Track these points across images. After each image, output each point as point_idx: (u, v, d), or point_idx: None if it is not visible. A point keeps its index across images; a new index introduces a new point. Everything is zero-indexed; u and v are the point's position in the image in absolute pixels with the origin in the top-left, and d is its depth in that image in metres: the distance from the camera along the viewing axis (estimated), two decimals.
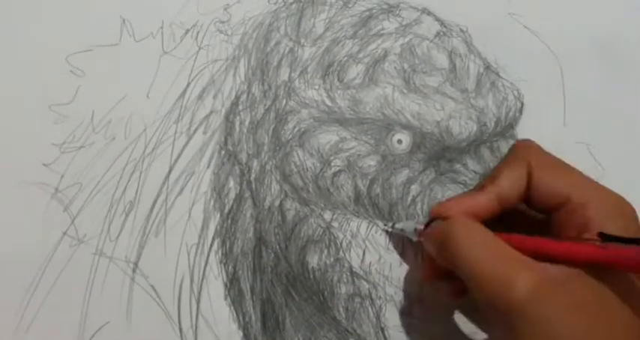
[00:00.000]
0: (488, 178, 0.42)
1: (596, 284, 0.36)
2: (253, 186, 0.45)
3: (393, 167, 0.45)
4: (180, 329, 0.43)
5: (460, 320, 0.45)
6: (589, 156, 0.47)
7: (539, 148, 0.43)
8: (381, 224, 0.45)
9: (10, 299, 0.43)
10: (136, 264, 0.44)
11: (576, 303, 0.35)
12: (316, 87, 0.46)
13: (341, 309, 0.44)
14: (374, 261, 0.45)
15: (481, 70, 0.47)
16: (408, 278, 0.45)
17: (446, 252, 0.38)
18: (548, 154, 0.42)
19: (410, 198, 0.45)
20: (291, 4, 0.47)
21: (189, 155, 0.45)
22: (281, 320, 0.43)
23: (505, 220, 0.41)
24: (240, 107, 0.46)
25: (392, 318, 0.44)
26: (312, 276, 0.44)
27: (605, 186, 0.41)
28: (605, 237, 0.37)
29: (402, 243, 0.45)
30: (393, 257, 0.45)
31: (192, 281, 0.44)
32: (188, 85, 0.46)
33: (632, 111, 0.48)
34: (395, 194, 0.45)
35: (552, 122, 0.48)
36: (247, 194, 0.45)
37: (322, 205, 0.45)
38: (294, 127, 0.46)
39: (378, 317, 0.44)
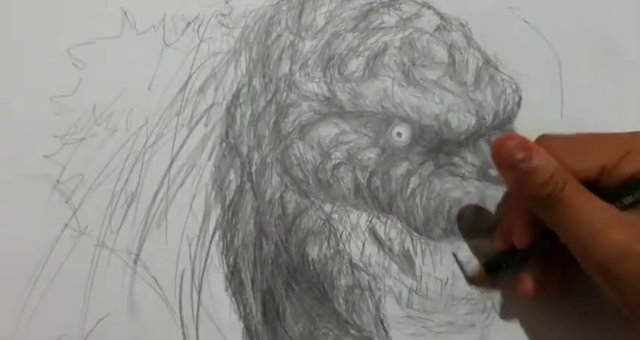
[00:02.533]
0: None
1: None
2: (254, 178, 0.46)
3: (393, 160, 0.46)
4: (182, 320, 0.44)
5: (459, 311, 0.45)
6: None
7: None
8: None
9: (11, 291, 0.44)
10: (137, 256, 0.45)
11: None
12: (317, 80, 0.47)
13: (341, 300, 0.45)
14: (373, 253, 0.46)
15: (480, 63, 0.48)
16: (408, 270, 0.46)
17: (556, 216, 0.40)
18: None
19: (409, 191, 0.46)
20: None
21: (191, 147, 0.46)
22: (281, 311, 0.44)
23: None
24: (241, 100, 0.47)
25: (391, 310, 0.45)
26: (312, 268, 0.45)
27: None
28: None
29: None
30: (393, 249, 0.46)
31: (193, 272, 0.45)
32: (189, 77, 0.47)
33: (630, 104, 0.49)
34: (394, 186, 0.46)
35: (550, 116, 0.49)
36: (248, 186, 0.46)
37: (322, 197, 0.46)
38: (295, 120, 0.47)
39: (377, 309, 0.45)
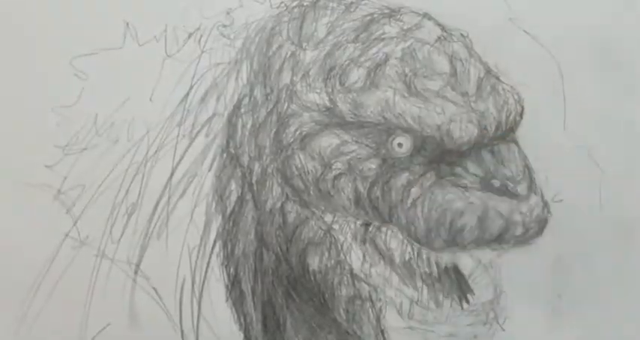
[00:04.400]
0: None
1: None
2: (255, 188, 0.46)
3: (394, 170, 0.47)
4: (182, 331, 0.45)
5: (461, 322, 0.46)
6: (589, 160, 0.49)
7: None
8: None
9: (12, 301, 0.45)
10: (137, 266, 0.45)
11: None
12: (318, 90, 0.48)
13: (341, 311, 0.45)
14: (374, 264, 0.46)
15: (482, 74, 0.48)
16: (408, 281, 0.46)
17: None
18: None
19: (410, 201, 0.47)
20: (293, 8, 0.49)
21: (192, 157, 0.47)
22: (282, 322, 0.45)
23: None
24: (243, 110, 0.48)
25: (392, 321, 0.45)
26: (312, 278, 0.45)
27: None
28: None
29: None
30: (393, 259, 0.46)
31: (193, 283, 0.45)
32: (191, 88, 0.48)
33: (632, 114, 0.50)
34: (395, 197, 0.47)
35: (552, 126, 0.49)
36: (249, 196, 0.46)
37: (323, 208, 0.47)
38: (296, 130, 0.47)
39: (378, 320, 0.45)
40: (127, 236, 0.46)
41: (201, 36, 0.49)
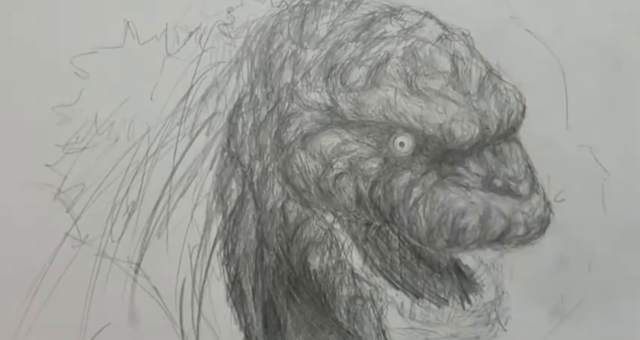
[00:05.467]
0: None
1: None
2: (255, 187, 0.47)
3: (395, 169, 0.47)
4: (182, 331, 0.45)
5: (463, 323, 0.46)
6: (592, 159, 0.49)
7: None
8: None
9: (11, 300, 0.45)
10: (138, 265, 0.45)
11: None
12: (319, 89, 0.48)
13: (342, 311, 0.45)
14: (375, 263, 0.46)
15: (483, 73, 0.48)
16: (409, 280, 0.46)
17: None
18: None
19: (412, 201, 0.47)
20: (294, 7, 0.49)
21: (192, 157, 0.47)
22: (282, 322, 0.45)
23: None
24: (243, 109, 0.48)
25: (393, 321, 0.45)
26: (313, 278, 0.45)
27: None
28: None
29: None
30: (394, 259, 0.46)
31: (194, 282, 0.45)
32: (191, 87, 0.48)
33: (634, 113, 0.50)
34: (396, 196, 0.47)
35: (555, 125, 0.49)
36: (249, 196, 0.46)
37: (324, 207, 0.47)
38: (297, 130, 0.47)
39: (379, 319, 0.45)
40: (128, 235, 0.46)
41: (202, 35, 0.49)
